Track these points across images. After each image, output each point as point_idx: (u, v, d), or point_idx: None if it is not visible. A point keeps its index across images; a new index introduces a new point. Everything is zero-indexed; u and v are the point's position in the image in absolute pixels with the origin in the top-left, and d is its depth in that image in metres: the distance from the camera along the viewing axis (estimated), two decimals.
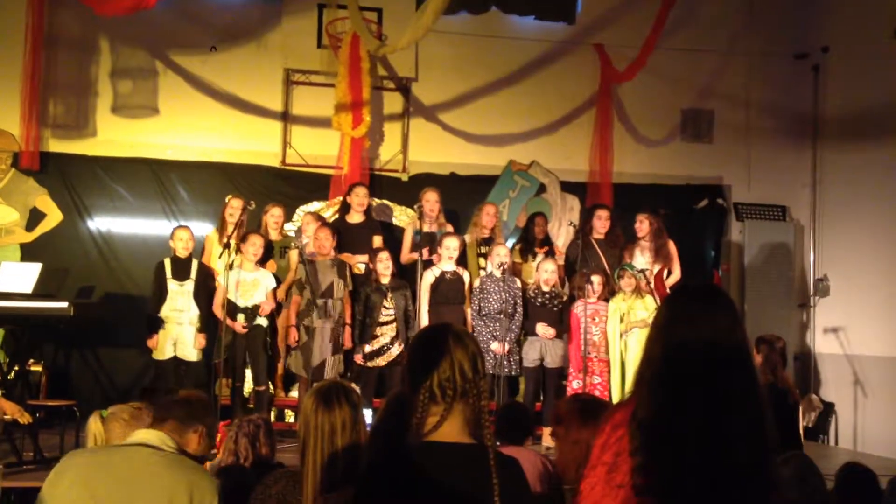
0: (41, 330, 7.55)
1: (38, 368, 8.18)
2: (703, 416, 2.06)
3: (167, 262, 7.63)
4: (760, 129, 10.41)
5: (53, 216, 8.70)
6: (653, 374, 2.15)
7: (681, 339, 2.13)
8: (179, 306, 7.54)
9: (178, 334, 7.51)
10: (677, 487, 2.04)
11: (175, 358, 7.51)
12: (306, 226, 8.25)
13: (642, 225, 8.29)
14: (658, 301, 7.57)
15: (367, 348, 7.57)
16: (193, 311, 7.58)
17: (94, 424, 3.44)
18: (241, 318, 7.43)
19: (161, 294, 7.54)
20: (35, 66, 8.81)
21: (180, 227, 7.89)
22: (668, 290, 7.89)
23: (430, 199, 8.27)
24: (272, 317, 7.70)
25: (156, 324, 7.47)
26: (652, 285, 7.80)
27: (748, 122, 10.39)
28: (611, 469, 2.12)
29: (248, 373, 7.66)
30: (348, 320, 7.57)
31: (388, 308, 7.60)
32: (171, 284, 7.56)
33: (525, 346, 7.74)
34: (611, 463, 2.12)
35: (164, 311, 7.52)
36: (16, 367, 6.88)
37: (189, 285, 7.60)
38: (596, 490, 2.13)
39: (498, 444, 2.79)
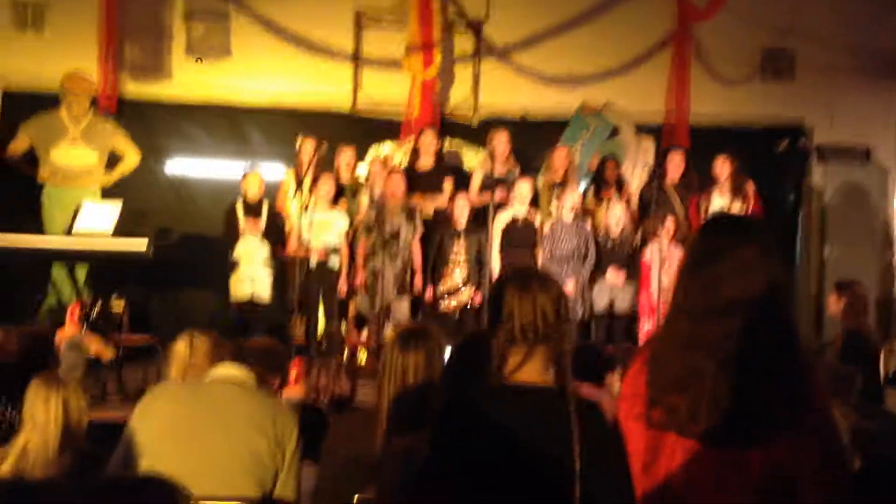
0: (122, 268, 7.76)
1: (120, 306, 8.39)
2: (725, 353, 2.04)
3: (238, 205, 7.76)
4: (844, 68, 9.96)
5: (131, 158, 8.83)
6: (677, 311, 2.17)
7: (705, 275, 2.10)
8: (253, 247, 7.67)
9: (254, 274, 7.65)
10: (700, 423, 2.04)
11: (252, 298, 7.65)
12: (375, 174, 8.24)
13: (723, 167, 8.05)
14: None
15: (437, 290, 7.62)
16: (266, 252, 7.72)
17: (182, 346, 3.47)
18: (314, 256, 7.52)
19: (234, 236, 7.67)
20: (110, 8, 8.91)
21: (252, 171, 8.03)
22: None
23: (503, 140, 8.19)
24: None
25: (233, 266, 7.62)
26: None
27: (831, 61, 9.98)
28: (633, 403, 2.18)
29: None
30: (418, 265, 7.60)
31: (459, 252, 7.62)
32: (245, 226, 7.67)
33: (595, 290, 7.70)
34: (633, 395, 2.20)
35: (238, 253, 7.66)
36: (98, 304, 7.07)
37: (261, 226, 7.73)
38: (628, 421, 2.19)
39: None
